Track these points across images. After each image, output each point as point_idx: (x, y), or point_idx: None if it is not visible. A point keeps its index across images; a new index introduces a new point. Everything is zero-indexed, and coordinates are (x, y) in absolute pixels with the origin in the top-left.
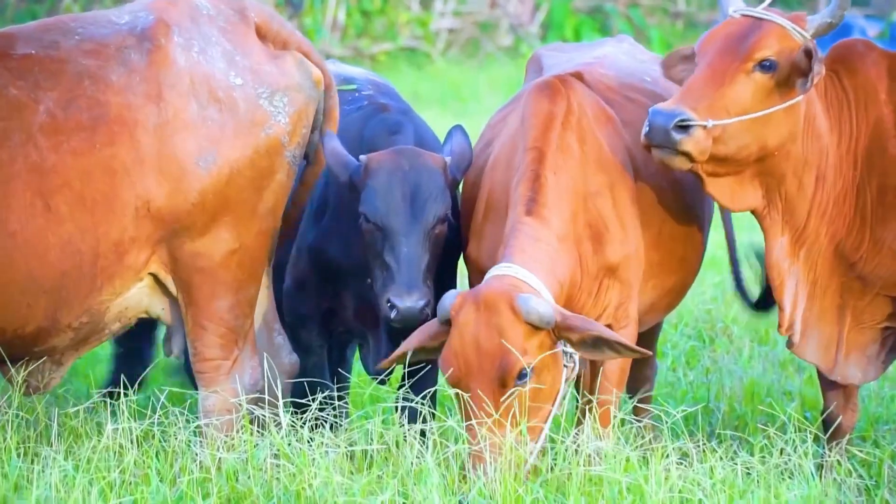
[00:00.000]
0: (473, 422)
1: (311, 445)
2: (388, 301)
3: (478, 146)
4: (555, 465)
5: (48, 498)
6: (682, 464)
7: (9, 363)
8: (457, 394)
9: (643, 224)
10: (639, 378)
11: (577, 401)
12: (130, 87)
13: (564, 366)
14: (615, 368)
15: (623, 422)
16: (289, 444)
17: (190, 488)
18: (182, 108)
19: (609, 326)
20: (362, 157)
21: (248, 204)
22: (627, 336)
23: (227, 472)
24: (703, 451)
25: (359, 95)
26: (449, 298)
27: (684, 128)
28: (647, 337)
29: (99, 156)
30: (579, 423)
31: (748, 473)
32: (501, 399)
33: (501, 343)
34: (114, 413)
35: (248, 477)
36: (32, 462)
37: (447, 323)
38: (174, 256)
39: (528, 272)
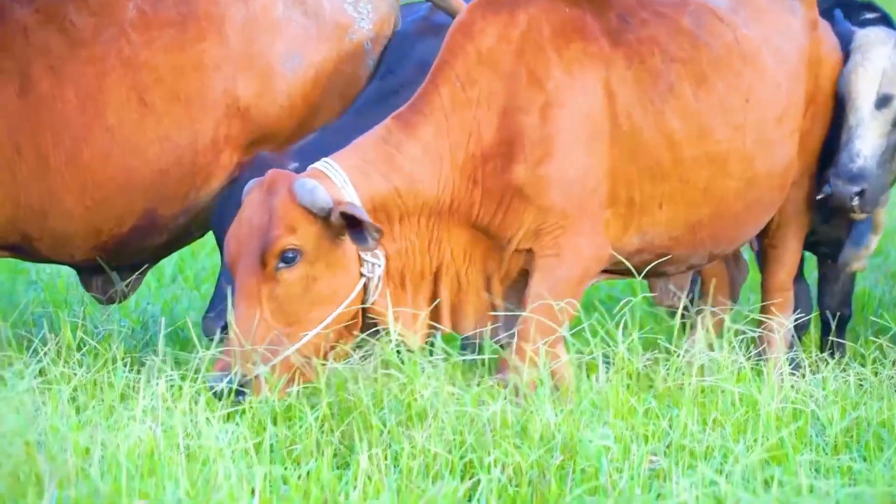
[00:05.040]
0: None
1: (421, 356)
2: None
3: None
4: (668, 375)
5: (154, 408)
6: (794, 375)
7: (109, 271)
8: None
9: (638, 154)
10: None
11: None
12: None
13: (362, 274)
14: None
15: (736, 332)
16: (398, 354)
17: (298, 398)
18: (269, 6)
19: (528, 251)
20: None
21: (335, 111)
22: (554, 265)
23: (336, 383)
24: (816, 362)
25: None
26: (249, 184)
27: None
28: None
29: (189, 52)
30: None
31: (860, 385)
32: (262, 278)
33: (270, 218)
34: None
35: (358, 387)
36: (139, 372)
37: None
38: None
39: (339, 167)
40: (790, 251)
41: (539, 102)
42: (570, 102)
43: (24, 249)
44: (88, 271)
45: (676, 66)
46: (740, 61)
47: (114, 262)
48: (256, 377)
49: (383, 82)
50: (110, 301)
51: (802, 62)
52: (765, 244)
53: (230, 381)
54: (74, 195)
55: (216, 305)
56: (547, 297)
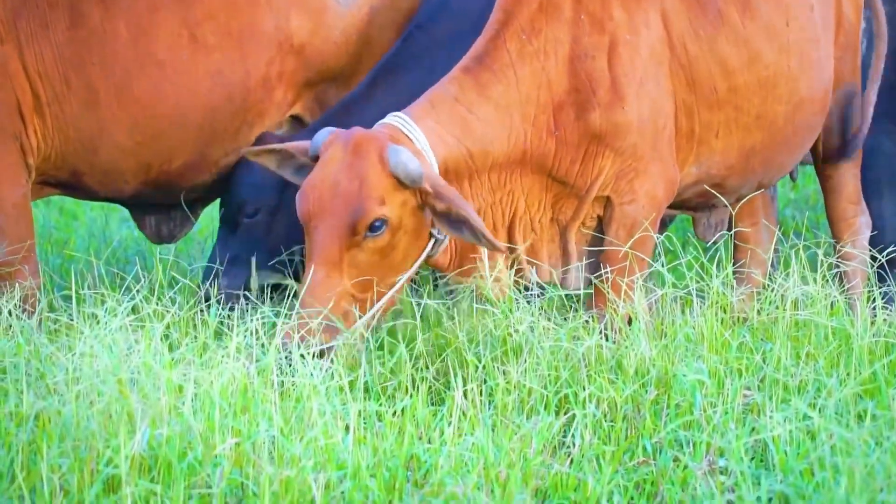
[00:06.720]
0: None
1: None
2: None
3: None
4: (761, 309)
5: (248, 345)
6: (887, 308)
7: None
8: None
9: (696, 84)
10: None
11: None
12: None
13: (432, 235)
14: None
15: (830, 266)
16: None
17: (393, 335)
18: None
19: (608, 200)
20: None
21: (391, 46)
22: (631, 213)
23: (432, 319)
24: None
25: None
26: (322, 134)
27: None
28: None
29: None
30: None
31: None
32: (346, 245)
33: (361, 186)
34: None
35: (453, 323)
36: (232, 309)
37: (315, 158)
38: (321, 101)
39: (418, 128)
40: (845, 179)
41: (604, 45)
42: (633, 40)
43: (74, 186)
44: (141, 209)
45: None
46: None
47: (165, 199)
48: (333, 346)
49: (406, 44)
50: (163, 240)
51: None
52: (820, 180)
53: (305, 350)
54: (125, 129)
55: (216, 259)
56: (626, 238)
